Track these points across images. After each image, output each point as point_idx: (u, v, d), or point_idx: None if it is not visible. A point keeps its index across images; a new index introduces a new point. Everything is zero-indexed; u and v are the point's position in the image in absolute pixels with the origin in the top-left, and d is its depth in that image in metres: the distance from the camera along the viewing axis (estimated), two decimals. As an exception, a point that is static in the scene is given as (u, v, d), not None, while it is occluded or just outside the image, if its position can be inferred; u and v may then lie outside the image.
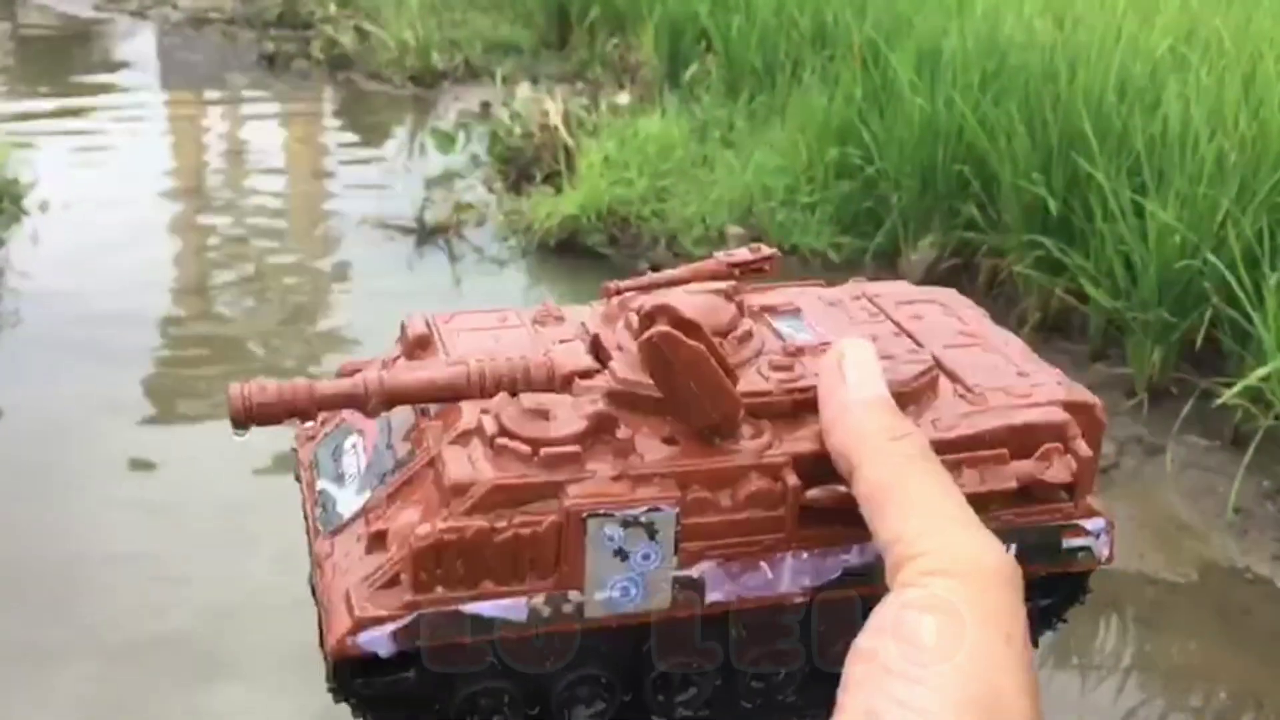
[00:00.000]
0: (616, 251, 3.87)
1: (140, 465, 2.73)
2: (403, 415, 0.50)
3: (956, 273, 3.73)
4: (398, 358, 0.54)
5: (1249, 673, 2.28)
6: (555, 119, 4.39)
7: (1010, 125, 3.43)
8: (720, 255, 0.57)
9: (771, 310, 0.55)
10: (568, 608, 0.45)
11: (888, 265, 3.84)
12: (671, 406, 0.46)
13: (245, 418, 0.46)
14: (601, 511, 0.44)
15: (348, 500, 0.49)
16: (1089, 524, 0.50)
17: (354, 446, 0.52)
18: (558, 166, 4.24)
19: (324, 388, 0.47)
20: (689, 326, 0.44)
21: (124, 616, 2.24)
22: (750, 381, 0.49)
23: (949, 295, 0.59)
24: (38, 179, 4.21)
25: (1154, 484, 2.73)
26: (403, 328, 0.55)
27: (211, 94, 5.90)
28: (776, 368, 0.49)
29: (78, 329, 3.29)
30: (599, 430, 0.46)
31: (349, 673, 0.45)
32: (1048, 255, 3.33)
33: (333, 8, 6.63)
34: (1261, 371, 2.67)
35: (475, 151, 4.75)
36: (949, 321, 0.56)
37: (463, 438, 0.46)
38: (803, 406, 0.48)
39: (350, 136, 5.50)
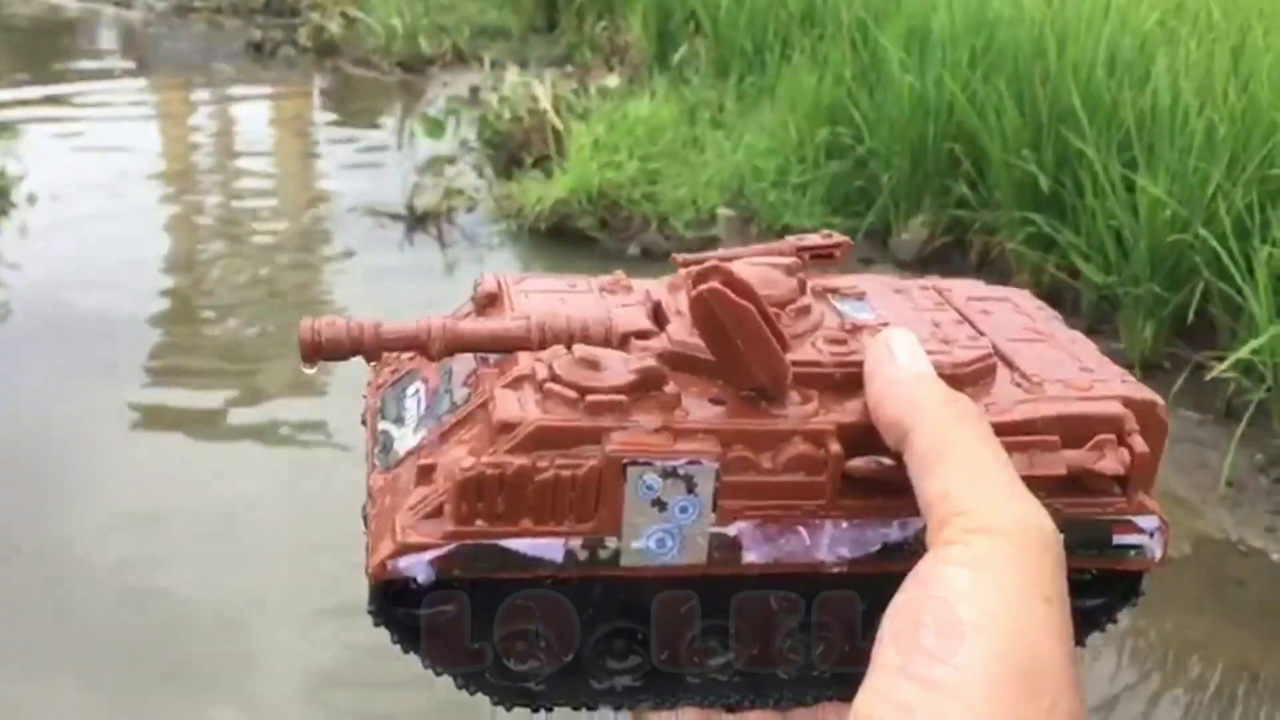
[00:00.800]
0: (607, 235, 3.87)
1: (131, 462, 2.73)
2: (464, 363, 0.51)
3: (948, 251, 3.73)
4: (469, 313, 0.55)
5: (1243, 645, 2.29)
6: (544, 103, 4.38)
7: (1000, 102, 3.43)
8: (791, 239, 0.57)
9: (835, 291, 0.56)
10: (604, 553, 0.46)
11: (880, 244, 3.84)
12: (720, 366, 0.47)
13: (314, 351, 0.48)
14: (642, 460, 0.45)
15: (405, 439, 0.51)
16: (1141, 521, 0.50)
17: (416, 392, 0.53)
18: (547, 151, 4.23)
19: (389, 328, 0.48)
20: (741, 287, 0.45)
21: (113, 607, 2.24)
22: (803, 352, 0.49)
23: (1022, 295, 0.60)
24: (25, 171, 4.20)
25: (1147, 458, 2.74)
26: (475, 285, 0.56)
27: (199, 82, 5.88)
28: (831, 340, 0.50)
29: (66, 321, 3.28)
30: (647, 384, 0.46)
31: (390, 599, 0.47)
32: (1039, 232, 3.33)
33: (319, -6, 6.61)
34: (1253, 344, 2.67)
35: (465, 137, 4.74)
36: (1017, 319, 0.56)
37: (516, 382, 0.47)
38: (853, 380, 0.48)
39: (339, 123, 5.48)
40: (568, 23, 5.88)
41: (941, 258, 3.73)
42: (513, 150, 4.41)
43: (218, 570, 2.35)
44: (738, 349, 0.45)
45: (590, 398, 0.45)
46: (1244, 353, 2.68)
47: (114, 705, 2.05)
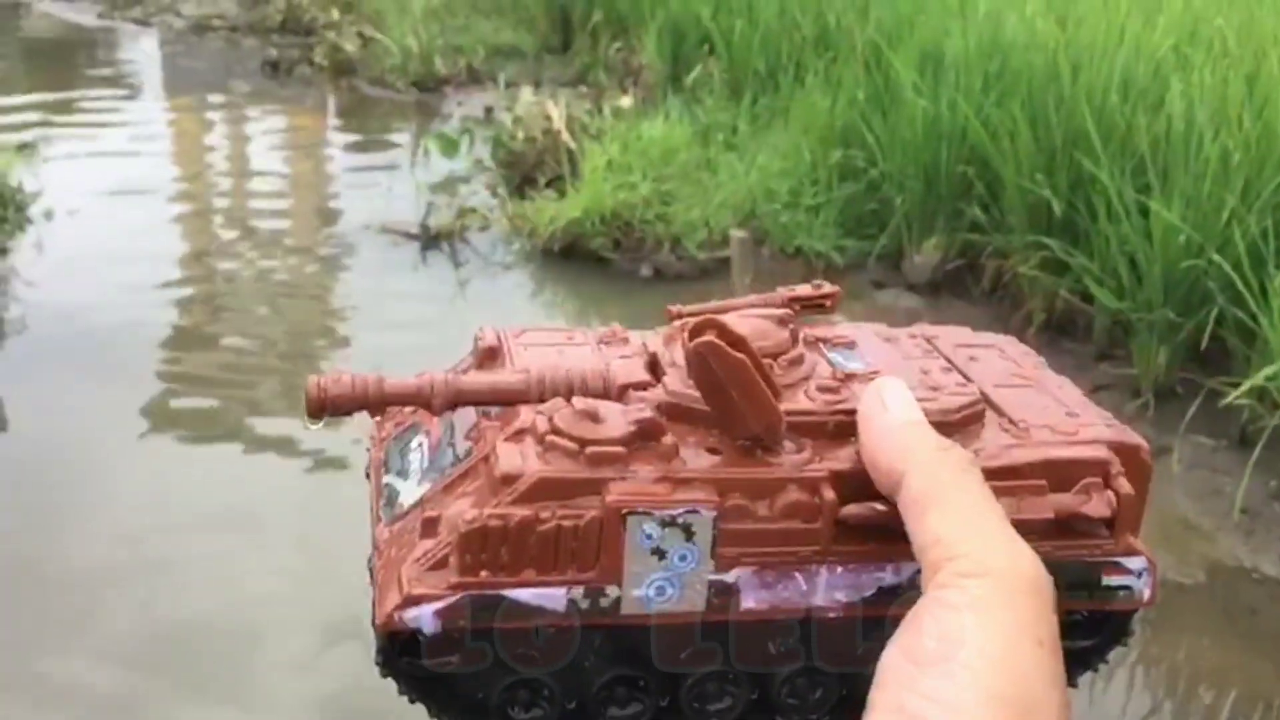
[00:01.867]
0: (620, 255, 3.87)
1: (144, 474, 2.73)
2: (466, 417, 0.53)
3: (961, 274, 3.73)
4: (468, 367, 0.57)
5: (1257, 673, 2.28)
6: (558, 123, 4.39)
7: (1013, 126, 3.43)
8: (782, 290, 0.59)
9: (826, 341, 0.57)
10: (605, 601, 0.47)
11: (892, 267, 3.84)
12: (716, 416, 0.48)
13: (320, 408, 0.49)
14: (641, 509, 0.46)
15: (409, 492, 0.52)
16: (1129, 562, 0.51)
17: (419, 445, 0.55)
18: (561, 171, 4.24)
19: (393, 384, 0.50)
20: (735, 339, 0.46)
21: (123, 627, 2.25)
22: (796, 401, 0.50)
23: (1008, 342, 0.61)
24: (42, 187, 4.22)
25: (1160, 484, 2.73)
26: (475, 340, 0.58)
27: (215, 101, 5.92)
28: (824, 390, 0.51)
29: (83, 337, 3.30)
30: (645, 435, 0.48)
31: (396, 651, 0.48)
32: (1052, 256, 3.33)
33: (336, 14, 6.65)
34: (1268, 371, 2.66)
35: (479, 156, 4.76)
36: (1005, 365, 0.58)
37: (517, 435, 0.48)
38: (846, 428, 0.49)
39: (353, 142, 5.50)
40: (582, 43, 5.91)
41: (954, 281, 3.73)
42: (526, 170, 4.42)
43: (228, 581, 2.36)
44: (733, 400, 0.46)
45: (590, 449, 0.47)
46: (1259, 379, 2.67)
47: (123, 714, 2.05)
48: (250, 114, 5.76)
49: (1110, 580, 0.51)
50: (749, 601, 0.48)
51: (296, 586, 2.34)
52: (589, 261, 3.88)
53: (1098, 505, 0.49)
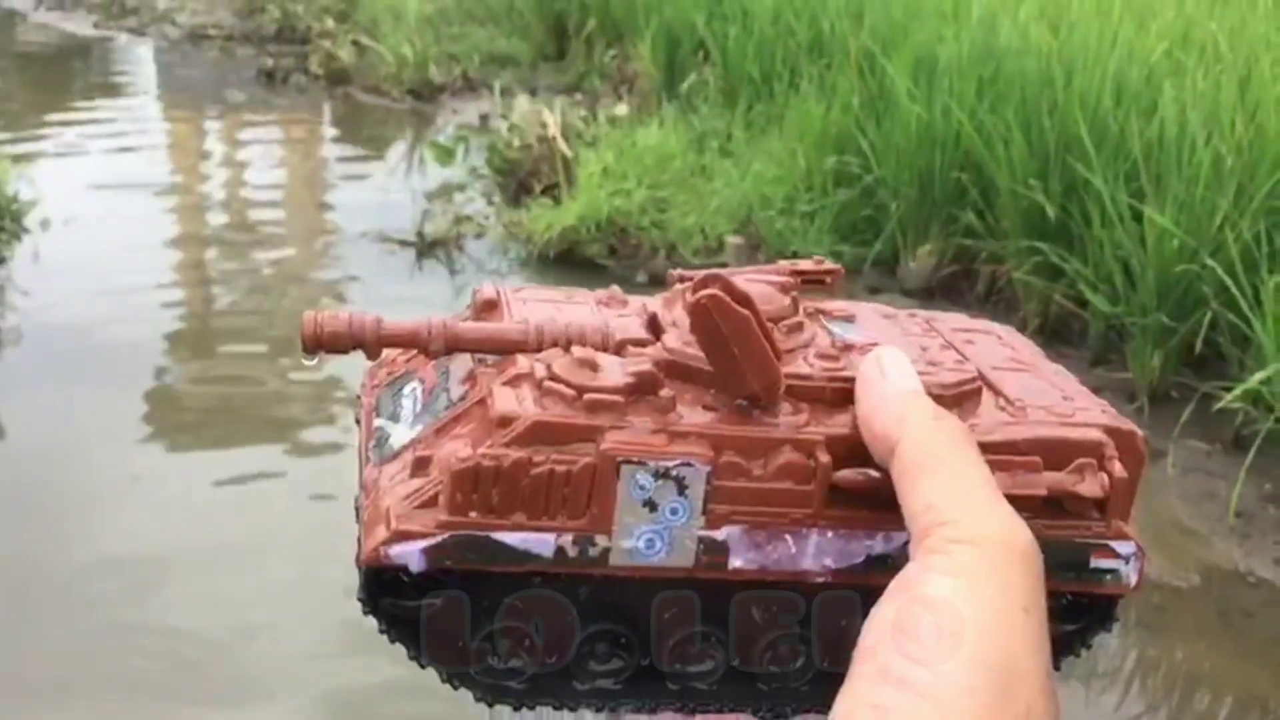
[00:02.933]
0: (616, 262, 3.88)
1: (142, 490, 2.74)
2: (461, 363, 0.52)
3: (956, 279, 3.74)
4: (466, 320, 0.56)
5: (1253, 677, 2.28)
6: (553, 130, 4.40)
7: (1007, 132, 3.44)
8: (785, 263, 0.58)
9: (826, 313, 0.57)
10: (593, 551, 0.46)
11: (887, 273, 3.85)
12: (715, 373, 0.47)
13: (315, 343, 0.49)
14: (635, 459, 0.45)
15: (400, 434, 0.51)
16: (1119, 546, 0.51)
17: (413, 391, 0.54)
18: (556, 178, 4.24)
19: (390, 325, 0.50)
20: (740, 296, 0.46)
21: (121, 639, 2.25)
22: (795, 366, 0.50)
23: (1006, 330, 0.61)
24: (39, 197, 4.22)
25: (1156, 488, 2.74)
26: (473, 294, 0.57)
27: (211, 110, 5.92)
28: (822, 357, 0.51)
29: (79, 347, 3.30)
30: (643, 388, 0.47)
31: (379, 589, 0.47)
32: (1046, 261, 3.34)
33: (331, 23, 6.66)
34: (1261, 375, 2.67)
35: (474, 164, 4.77)
36: (1002, 350, 0.57)
37: (514, 380, 0.48)
38: (843, 395, 0.49)
39: (349, 150, 5.51)
40: (577, 51, 5.92)
41: (949, 286, 3.74)
42: (522, 177, 4.43)
43: (228, 602, 2.35)
44: (734, 355, 0.46)
45: (587, 396, 0.46)
46: (1252, 383, 2.68)
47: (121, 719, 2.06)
48: (246, 123, 5.76)
49: (1099, 563, 0.51)
50: (738, 561, 0.47)
51: (296, 593, 2.34)
52: (585, 268, 3.88)
53: (1090, 485, 0.49)
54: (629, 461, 0.45)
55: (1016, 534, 0.41)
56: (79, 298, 3.61)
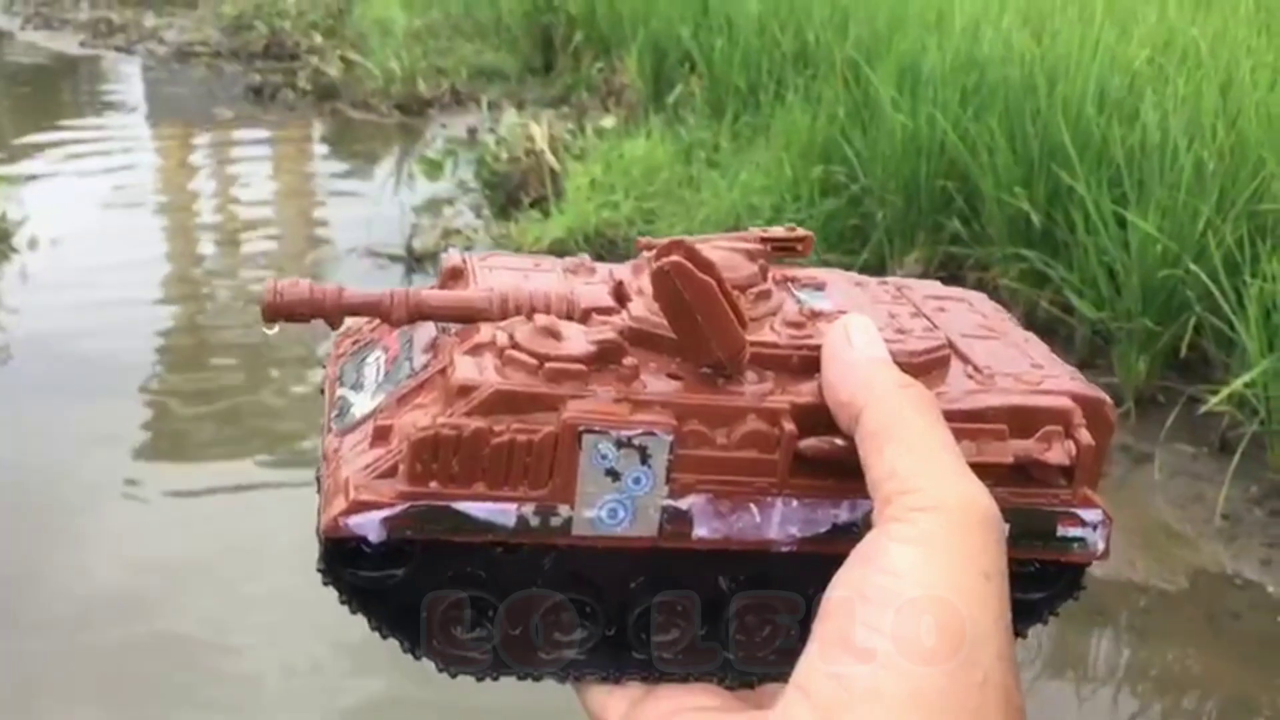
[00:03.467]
0: (605, 274, 3.89)
1: (133, 507, 2.73)
2: (424, 332, 0.51)
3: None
4: (432, 288, 0.55)
5: (1240, 678, 2.29)
6: (541, 143, 4.41)
7: (991, 139, 3.46)
8: (755, 229, 0.57)
9: (796, 280, 0.56)
10: (555, 521, 0.46)
11: (874, 281, 3.86)
12: (679, 341, 0.47)
13: (275, 311, 0.48)
14: (597, 428, 0.45)
15: (362, 404, 0.51)
16: (1085, 514, 0.50)
17: (376, 360, 0.53)
18: (545, 190, 4.26)
19: (352, 294, 0.49)
20: (703, 263, 0.45)
21: (111, 651, 2.25)
22: (761, 334, 0.49)
23: (978, 297, 0.60)
24: (26, 216, 4.23)
25: (1143, 491, 2.75)
26: (440, 261, 0.56)
27: (199, 127, 5.93)
28: (789, 324, 0.50)
29: (67, 365, 3.30)
30: (606, 356, 0.47)
31: (340, 560, 0.46)
32: (1032, 267, 3.35)
33: (319, 38, 6.68)
34: (1245, 378, 2.69)
35: (463, 177, 4.78)
36: (973, 317, 0.57)
37: (476, 349, 0.47)
38: (809, 363, 0.49)
39: (338, 165, 5.52)
40: (564, 64, 5.93)
41: (936, 294, 3.75)
42: (510, 190, 4.44)
43: (226, 613, 2.36)
44: (697, 323, 0.46)
45: (549, 365, 0.46)
46: (1237, 386, 2.70)
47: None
48: (234, 139, 5.77)
49: (1066, 530, 0.50)
50: (702, 530, 0.47)
51: (290, 610, 2.34)
52: (573, 280, 3.89)
53: (1057, 453, 0.49)
54: (591, 431, 0.45)
55: (978, 501, 0.41)
56: (67, 315, 3.61)
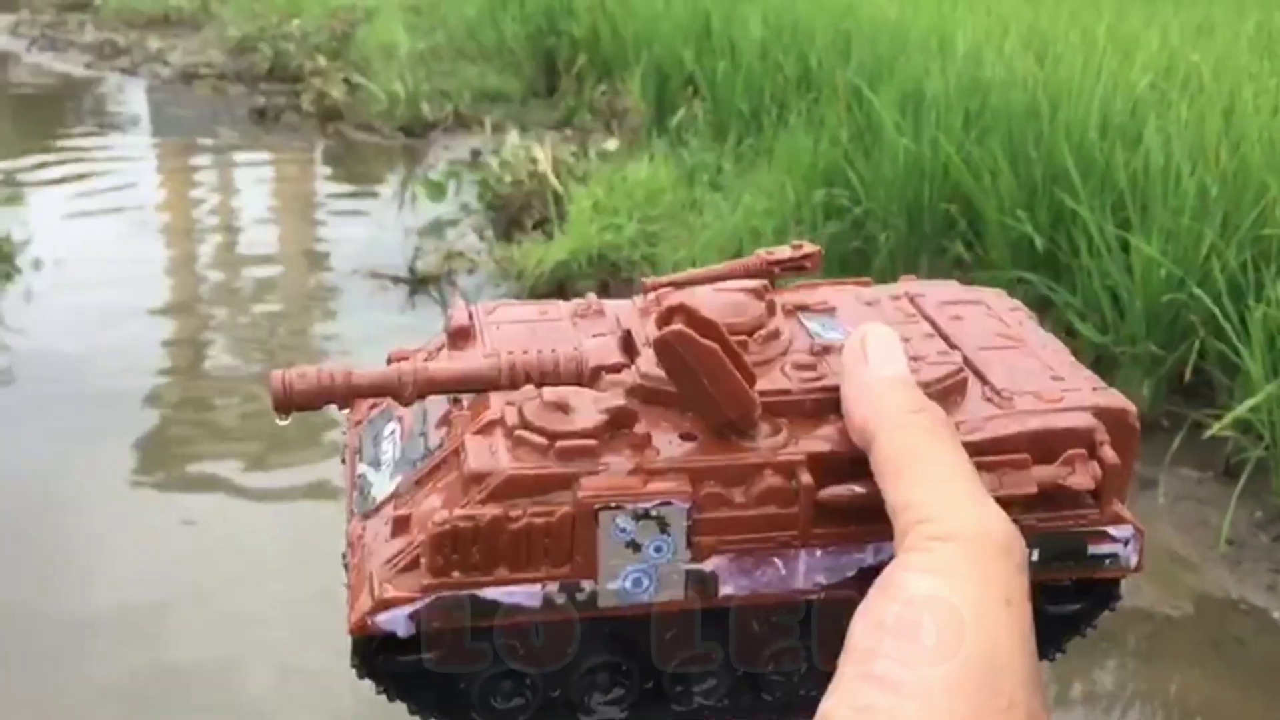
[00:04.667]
0: (607, 297, 3.88)
1: (134, 526, 2.73)
2: (437, 404, 0.51)
3: (946, 310, 3.75)
4: (441, 346, 0.55)
5: (1245, 705, 2.28)
6: (544, 166, 4.42)
7: (994, 164, 3.47)
8: (762, 252, 0.57)
9: (805, 308, 0.55)
10: (581, 596, 0.46)
11: (877, 304, 3.86)
12: (688, 404, 0.47)
13: (286, 404, 0.48)
14: (613, 504, 0.45)
15: (382, 485, 0.51)
16: (1115, 531, 0.50)
17: (392, 433, 0.53)
18: (547, 213, 4.26)
19: (360, 376, 0.48)
20: (705, 325, 0.45)
21: (111, 676, 2.24)
22: (772, 380, 0.49)
23: (995, 296, 0.59)
24: (30, 236, 4.23)
25: (1147, 517, 2.73)
26: (448, 317, 0.56)
27: (203, 148, 5.94)
28: (799, 366, 0.50)
29: (70, 386, 3.30)
30: (617, 425, 0.46)
31: (372, 650, 0.47)
32: (1035, 291, 3.35)
33: (322, 61, 6.70)
34: (1250, 403, 2.68)
35: (465, 200, 4.79)
36: (989, 323, 0.56)
37: (487, 428, 0.47)
38: (823, 406, 0.48)
39: (341, 187, 5.53)
40: (567, 87, 5.95)
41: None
42: (513, 213, 4.45)
43: (220, 630, 2.35)
44: (705, 388, 0.45)
45: (560, 443, 0.45)
46: (1241, 411, 2.69)
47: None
48: (238, 161, 5.78)
49: (1097, 549, 0.49)
50: (728, 588, 0.47)
51: (290, 634, 2.34)
52: (576, 303, 3.89)
53: (1081, 477, 0.48)
54: (607, 507, 0.45)
55: (996, 527, 0.41)
56: (71, 336, 3.61)
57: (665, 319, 0.46)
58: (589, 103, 5.61)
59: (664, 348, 0.45)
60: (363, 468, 0.53)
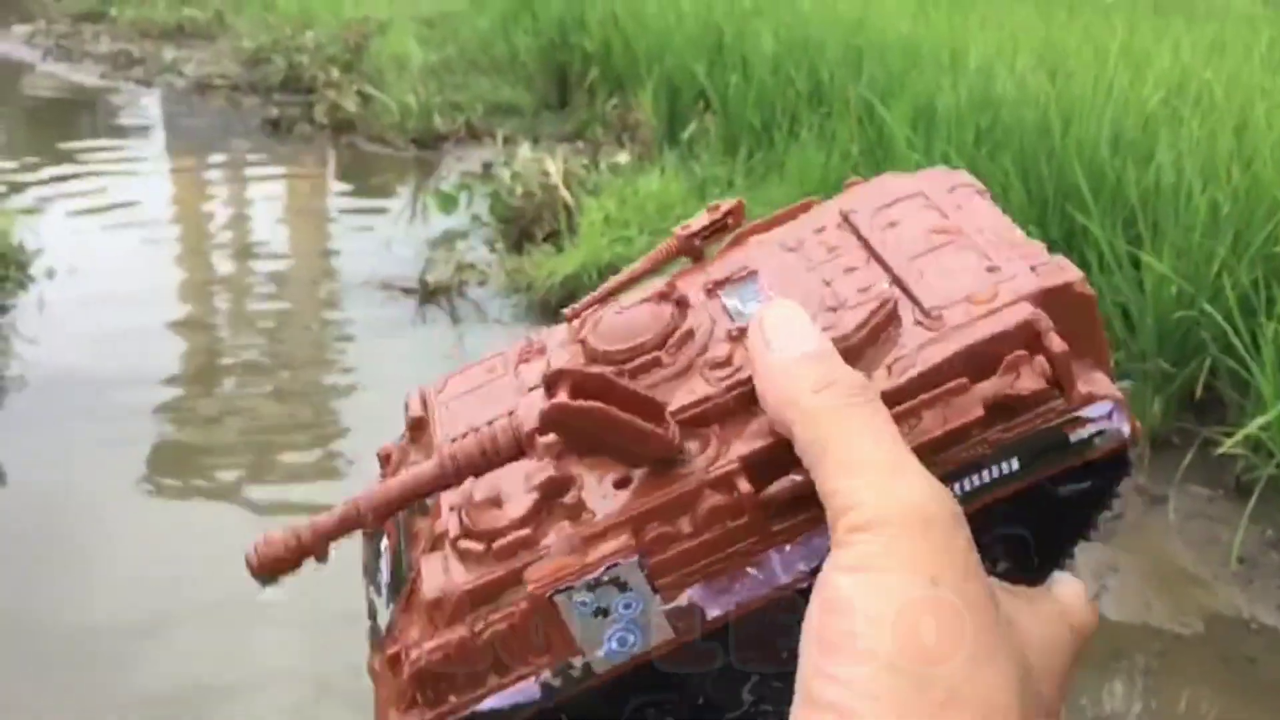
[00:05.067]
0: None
1: (144, 536, 2.74)
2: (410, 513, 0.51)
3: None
4: (404, 439, 0.55)
5: (1257, 723, 2.27)
6: (556, 178, 4.43)
7: (1005, 179, 3.47)
8: (678, 230, 0.55)
9: (725, 283, 0.53)
10: (575, 672, 0.45)
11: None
12: (608, 455, 0.46)
13: (260, 572, 0.48)
14: (564, 587, 0.44)
15: (383, 611, 0.51)
16: (1090, 411, 0.46)
17: (385, 552, 0.53)
18: (558, 225, 4.27)
19: (324, 523, 0.48)
20: (590, 383, 0.44)
21: (120, 681, 2.24)
22: (690, 389, 0.47)
23: (937, 177, 0.55)
24: (44, 246, 4.25)
25: (1158, 534, 2.73)
26: (405, 408, 0.55)
27: (216, 159, 5.97)
28: (715, 365, 0.48)
29: (83, 395, 3.31)
30: (549, 498, 0.46)
31: None
32: (1046, 307, 3.35)
33: (336, 73, 6.72)
34: (1261, 420, 2.68)
35: (477, 212, 4.80)
36: (926, 218, 0.52)
37: (436, 543, 0.47)
38: (747, 399, 0.46)
39: (353, 199, 5.55)
40: (579, 100, 5.97)
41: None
42: (524, 225, 4.46)
43: (227, 637, 2.35)
44: (611, 444, 0.45)
45: (497, 543, 0.45)
46: (1252, 428, 2.68)
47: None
48: (251, 172, 5.81)
49: (1078, 434, 0.46)
50: (714, 611, 0.45)
51: (297, 643, 2.34)
52: (586, 315, 3.89)
53: (1028, 379, 0.45)
54: (559, 591, 0.44)
55: (920, 503, 0.39)
56: (84, 345, 3.63)
57: (549, 388, 0.44)
58: (601, 116, 5.63)
59: (550, 425, 0.44)
60: (370, 592, 0.53)
